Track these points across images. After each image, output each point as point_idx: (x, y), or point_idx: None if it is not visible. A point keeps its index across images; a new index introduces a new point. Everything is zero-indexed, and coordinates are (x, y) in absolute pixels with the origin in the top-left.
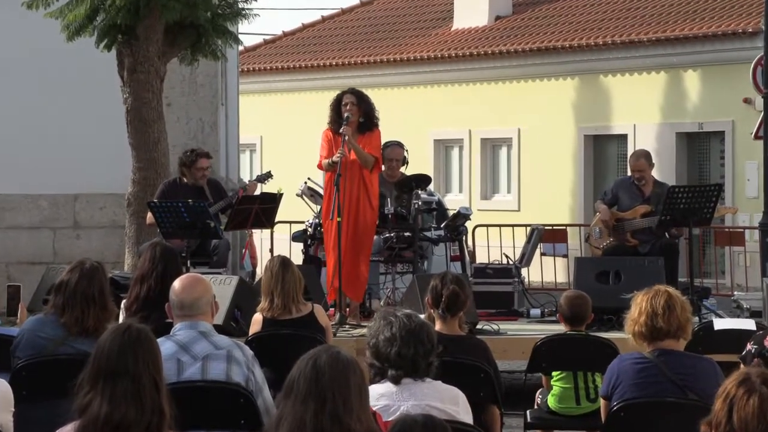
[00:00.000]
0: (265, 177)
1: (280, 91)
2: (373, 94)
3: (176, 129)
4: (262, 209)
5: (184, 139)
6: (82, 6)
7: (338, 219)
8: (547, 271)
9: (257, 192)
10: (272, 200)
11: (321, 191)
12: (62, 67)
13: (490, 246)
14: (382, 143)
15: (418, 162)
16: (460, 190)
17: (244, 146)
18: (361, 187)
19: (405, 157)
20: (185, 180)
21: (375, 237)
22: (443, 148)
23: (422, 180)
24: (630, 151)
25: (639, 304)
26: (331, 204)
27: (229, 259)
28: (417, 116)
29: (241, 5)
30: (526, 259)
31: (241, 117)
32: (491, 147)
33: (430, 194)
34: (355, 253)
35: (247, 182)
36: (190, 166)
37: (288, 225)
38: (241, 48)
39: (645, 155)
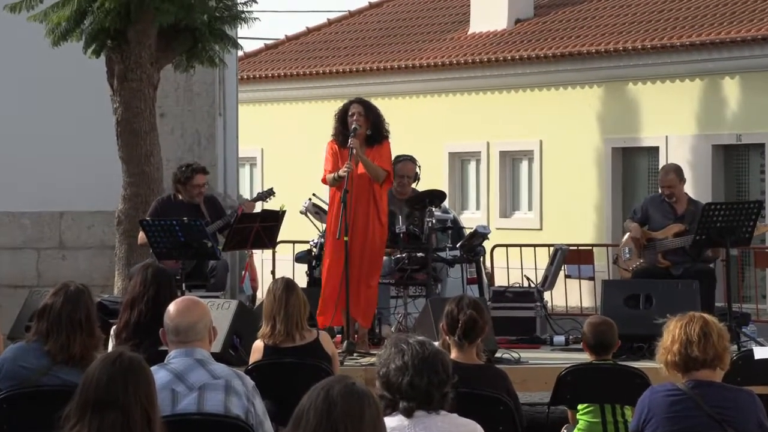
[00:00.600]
0: (267, 195)
1: (282, 101)
2: (382, 104)
3: (170, 141)
4: (263, 228)
5: (178, 153)
6: (67, 8)
7: (345, 238)
8: (572, 294)
9: (257, 209)
10: (274, 218)
11: (326, 208)
12: (46, 73)
13: (510, 267)
14: (393, 157)
15: (432, 177)
16: (477, 207)
17: (244, 160)
18: (370, 204)
19: (417, 173)
20: (180, 197)
21: (385, 258)
22: (459, 161)
23: (436, 196)
24: (662, 165)
25: (672, 331)
26: (336, 222)
27: (227, 281)
28: (430, 127)
29: (240, 8)
30: (549, 281)
31: (240, 128)
32: (511, 160)
33: (445, 211)
34: (363, 275)
35: (247, 200)
36: (186, 183)
37: (291, 245)
38: (240, 54)
39: (675, 169)
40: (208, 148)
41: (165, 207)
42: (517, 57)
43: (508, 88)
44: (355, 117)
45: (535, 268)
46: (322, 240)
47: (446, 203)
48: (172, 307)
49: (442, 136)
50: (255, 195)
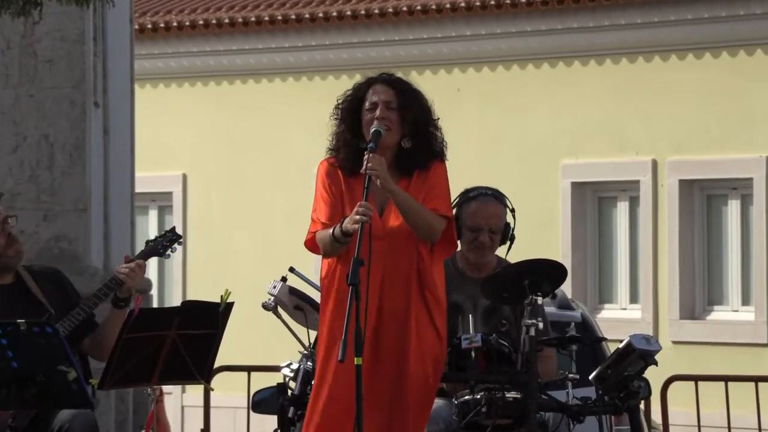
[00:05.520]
0: (167, 243)
1: (226, 75)
2: (429, 83)
3: None
4: (186, 339)
5: (9, 183)
6: None
7: (357, 361)
8: None
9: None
10: (211, 320)
11: (316, 299)
12: None
13: (704, 423)
14: (455, 196)
15: (539, 230)
16: (634, 299)
17: (147, 196)
18: (410, 289)
19: (508, 225)
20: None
21: (441, 402)
22: (594, 199)
23: (545, 273)
24: None
25: None
26: (340, 327)
27: None
28: (531, 131)
29: None
30: None
31: (139, 133)
32: (704, 198)
33: (565, 305)
34: None
35: (133, 258)
36: None
37: (245, 375)
38: None
39: None
40: (72, 173)
41: None
42: None
43: (691, 47)
44: (378, 112)
45: (760, 426)
46: (310, 364)
47: (568, 288)
48: None
49: (558, 150)
50: (145, 245)
